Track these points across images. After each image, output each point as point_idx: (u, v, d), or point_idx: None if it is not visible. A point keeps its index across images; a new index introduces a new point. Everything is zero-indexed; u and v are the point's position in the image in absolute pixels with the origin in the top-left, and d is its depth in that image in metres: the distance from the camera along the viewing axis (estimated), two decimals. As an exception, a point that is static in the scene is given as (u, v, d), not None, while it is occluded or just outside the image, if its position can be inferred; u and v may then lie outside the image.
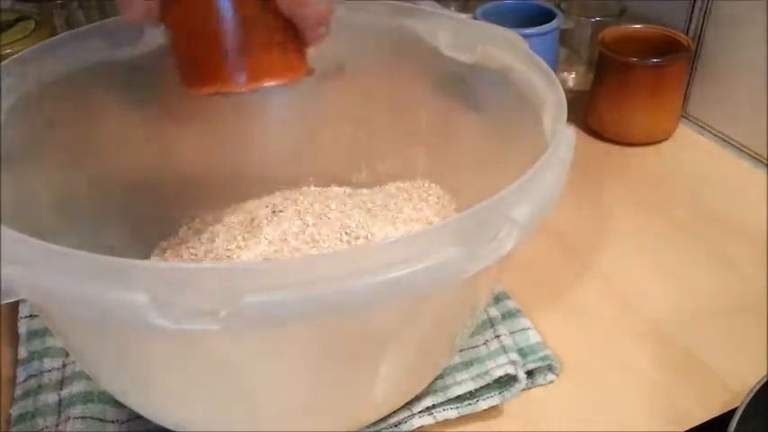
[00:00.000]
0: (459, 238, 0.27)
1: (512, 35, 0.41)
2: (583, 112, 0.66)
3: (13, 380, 0.41)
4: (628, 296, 0.48)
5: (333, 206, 0.48)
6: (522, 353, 0.42)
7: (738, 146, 0.62)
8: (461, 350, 0.42)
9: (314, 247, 0.44)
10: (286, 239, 0.45)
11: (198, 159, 0.49)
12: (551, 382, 0.42)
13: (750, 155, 0.61)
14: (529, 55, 0.40)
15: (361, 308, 0.27)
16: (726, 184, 0.59)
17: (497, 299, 0.46)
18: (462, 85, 0.45)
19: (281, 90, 0.50)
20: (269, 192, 0.52)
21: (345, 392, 0.35)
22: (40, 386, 0.40)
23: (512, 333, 0.43)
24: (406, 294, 0.27)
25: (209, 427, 0.35)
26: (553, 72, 0.37)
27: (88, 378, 0.40)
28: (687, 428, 0.39)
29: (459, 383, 0.40)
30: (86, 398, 0.39)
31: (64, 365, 0.41)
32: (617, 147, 0.64)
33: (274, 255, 0.43)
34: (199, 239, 0.47)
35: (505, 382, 0.40)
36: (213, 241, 0.46)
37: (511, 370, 0.40)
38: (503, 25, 0.43)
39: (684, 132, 0.66)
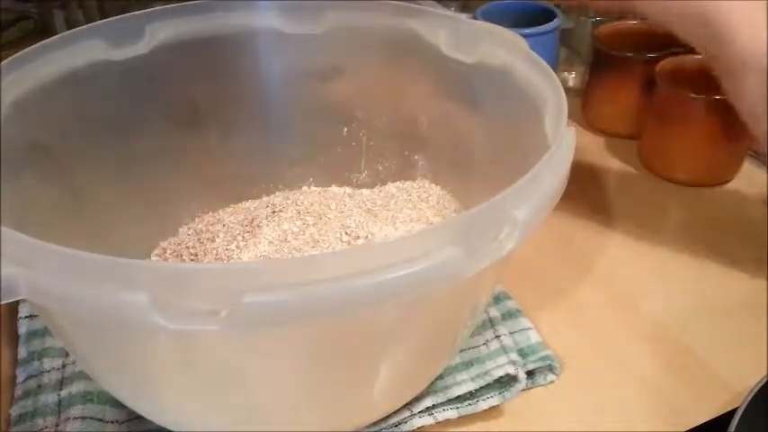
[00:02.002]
0: (459, 238, 0.27)
1: (512, 35, 0.41)
2: (581, 108, 0.66)
3: (12, 380, 0.41)
4: (628, 296, 0.48)
5: (333, 206, 0.48)
6: (523, 353, 0.42)
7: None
8: (461, 350, 0.42)
9: (314, 247, 0.44)
10: (286, 239, 0.45)
11: (198, 159, 0.49)
12: (551, 382, 0.42)
13: (750, 155, 0.61)
14: (529, 55, 0.40)
15: (361, 308, 0.27)
16: (726, 183, 0.59)
17: (497, 299, 0.46)
18: (463, 85, 0.45)
19: (280, 89, 0.50)
20: (269, 192, 0.52)
21: (345, 393, 0.35)
22: (39, 386, 0.40)
23: (512, 333, 0.43)
24: (406, 294, 0.27)
25: (209, 427, 0.35)
26: (554, 72, 0.37)
27: (88, 378, 0.40)
28: (687, 428, 0.39)
29: (459, 384, 0.40)
30: (86, 398, 0.39)
31: (63, 366, 0.41)
32: (617, 145, 0.63)
33: (274, 255, 0.43)
34: (199, 239, 0.47)
35: (506, 382, 0.40)
36: (213, 241, 0.46)
37: (511, 370, 0.40)
38: (503, 25, 0.43)
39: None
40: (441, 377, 0.40)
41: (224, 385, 0.32)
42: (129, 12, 0.43)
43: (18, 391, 0.40)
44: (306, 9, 0.47)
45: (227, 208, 0.50)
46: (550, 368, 0.42)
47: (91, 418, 0.38)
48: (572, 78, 0.72)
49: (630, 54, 0.60)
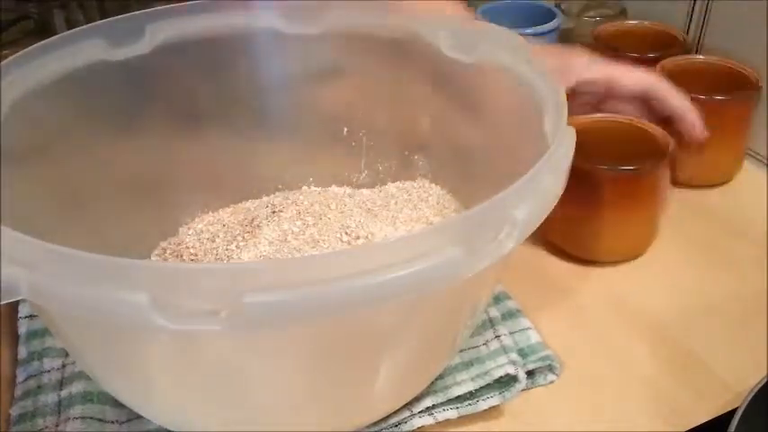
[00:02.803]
0: (459, 238, 0.27)
1: (512, 35, 0.41)
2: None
3: (12, 380, 0.41)
4: (628, 296, 0.48)
5: (333, 206, 0.48)
6: (523, 353, 0.42)
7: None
8: (461, 350, 0.42)
9: (314, 247, 0.44)
10: (286, 239, 0.45)
11: (198, 159, 0.49)
12: (552, 382, 0.42)
13: (750, 155, 0.61)
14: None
15: (361, 308, 0.27)
16: (726, 183, 0.59)
17: (497, 299, 0.46)
18: (463, 85, 0.45)
19: (280, 89, 0.50)
20: (269, 192, 0.52)
21: (345, 393, 0.35)
22: (39, 386, 0.40)
23: (512, 333, 0.43)
24: (406, 294, 0.27)
25: (209, 426, 0.35)
26: (553, 72, 0.37)
27: (88, 378, 0.40)
28: (687, 428, 0.39)
29: (459, 384, 0.40)
30: (86, 398, 0.39)
31: (63, 366, 0.41)
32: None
33: (274, 255, 0.43)
34: (199, 239, 0.47)
35: (506, 382, 0.40)
36: (213, 241, 0.46)
37: (511, 370, 0.40)
38: (503, 25, 0.43)
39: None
40: (441, 377, 0.40)
41: (224, 385, 0.32)
42: (129, 12, 0.43)
43: (18, 391, 0.40)
44: (306, 9, 0.47)
45: (227, 208, 0.50)
46: (550, 368, 0.42)
47: (91, 418, 0.38)
48: (572, 78, 0.72)
49: (631, 54, 0.60)
